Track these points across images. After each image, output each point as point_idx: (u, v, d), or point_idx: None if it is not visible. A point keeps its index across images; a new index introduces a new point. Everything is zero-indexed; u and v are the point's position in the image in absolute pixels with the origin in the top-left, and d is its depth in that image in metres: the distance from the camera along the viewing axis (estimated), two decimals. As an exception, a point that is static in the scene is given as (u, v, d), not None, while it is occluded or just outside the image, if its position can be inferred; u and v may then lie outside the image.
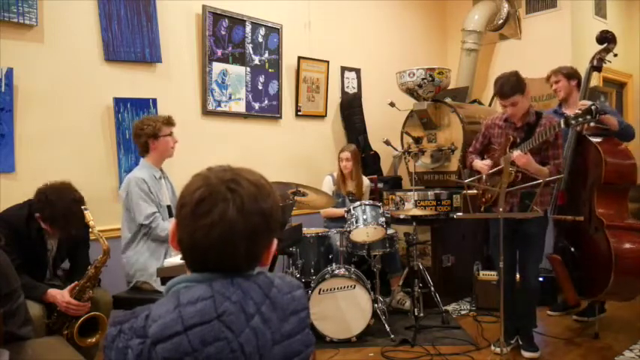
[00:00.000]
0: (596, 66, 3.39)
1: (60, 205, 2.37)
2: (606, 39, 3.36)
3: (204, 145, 3.81)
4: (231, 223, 0.91)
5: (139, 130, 2.89)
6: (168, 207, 2.95)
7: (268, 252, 1.00)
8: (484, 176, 3.07)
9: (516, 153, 2.89)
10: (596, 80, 5.05)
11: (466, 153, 3.44)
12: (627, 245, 3.07)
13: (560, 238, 3.49)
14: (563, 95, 3.60)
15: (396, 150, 4.44)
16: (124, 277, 2.89)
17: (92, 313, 2.41)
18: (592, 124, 3.22)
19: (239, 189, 0.93)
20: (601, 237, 3.11)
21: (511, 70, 3.00)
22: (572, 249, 3.33)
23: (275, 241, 1.01)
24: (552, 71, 3.66)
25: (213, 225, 0.91)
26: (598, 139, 3.28)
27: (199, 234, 0.91)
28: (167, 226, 2.81)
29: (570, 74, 3.58)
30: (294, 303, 1.00)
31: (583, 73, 3.48)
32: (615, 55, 3.38)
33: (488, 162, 3.11)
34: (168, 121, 2.97)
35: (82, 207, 2.44)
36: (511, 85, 2.90)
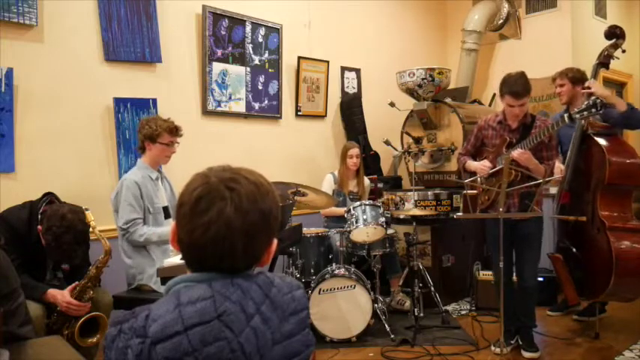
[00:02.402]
0: (604, 62, 3.31)
1: (64, 240, 2.34)
2: (615, 34, 3.28)
3: (205, 145, 3.81)
4: (228, 221, 0.91)
5: (140, 127, 2.89)
6: (165, 208, 2.93)
7: (268, 251, 1.00)
8: (479, 178, 3.07)
9: (517, 151, 2.89)
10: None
11: (458, 155, 3.41)
12: (628, 247, 3.06)
13: (562, 238, 3.48)
14: (565, 100, 3.51)
15: (396, 150, 4.44)
16: (125, 279, 2.89)
17: (93, 313, 2.41)
18: (598, 116, 3.19)
19: (238, 188, 0.94)
20: (602, 238, 3.11)
21: (518, 71, 2.97)
22: (574, 249, 3.32)
23: (275, 241, 1.01)
24: (558, 73, 3.54)
25: (210, 223, 0.91)
26: (603, 140, 3.23)
27: (198, 232, 0.91)
28: (145, 230, 2.78)
29: (576, 79, 3.45)
30: (294, 303, 1.00)
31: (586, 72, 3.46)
32: (624, 51, 3.31)
33: (486, 163, 3.10)
34: (173, 130, 2.89)
35: (84, 208, 2.45)
36: (524, 86, 2.89)
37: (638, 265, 3.05)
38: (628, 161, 3.18)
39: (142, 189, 2.81)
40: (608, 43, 3.31)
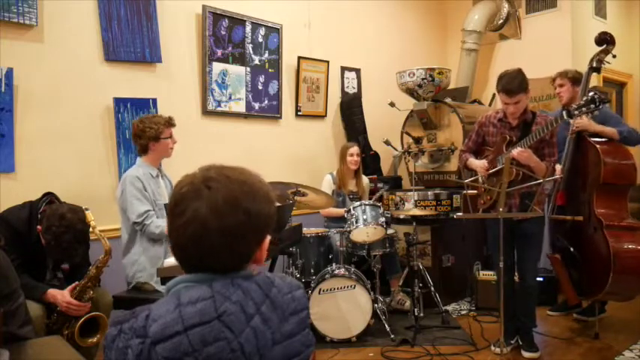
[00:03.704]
0: (596, 67, 3.36)
1: (63, 239, 2.33)
2: (605, 40, 3.33)
3: (204, 145, 3.81)
4: (204, 221, 0.91)
5: (140, 132, 2.87)
6: (166, 205, 2.94)
7: (260, 250, 1.00)
8: (481, 178, 3.06)
9: (517, 149, 2.88)
10: (595, 80, 5.05)
11: (460, 152, 3.41)
12: (626, 245, 3.08)
13: (558, 237, 3.48)
14: (565, 100, 3.54)
15: (396, 150, 4.44)
16: (125, 278, 2.89)
17: (93, 313, 2.41)
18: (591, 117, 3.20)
19: (217, 187, 0.93)
20: (600, 237, 3.12)
21: (515, 68, 2.95)
22: (572, 249, 3.33)
23: (268, 239, 1.01)
24: (558, 74, 3.59)
25: (187, 223, 0.92)
26: (598, 139, 3.27)
27: (179, 232, 0.93)
28: (161, 222, 2.79)
29: (576, 79, 3.50)
30: (294, 303, 1.00)
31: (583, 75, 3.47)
32: (614, 57, 3.36)
33: (485, 163, 3.09)
34: (169, 123, 2.94)
35: (84, 208, 2.44)
36: (518, 83, 2.86)
37: (635, 262, 3.06)
38: (622, 161, 3.23)
39: (145, 183, 2.83)
40: (599, 48, 3.35)
